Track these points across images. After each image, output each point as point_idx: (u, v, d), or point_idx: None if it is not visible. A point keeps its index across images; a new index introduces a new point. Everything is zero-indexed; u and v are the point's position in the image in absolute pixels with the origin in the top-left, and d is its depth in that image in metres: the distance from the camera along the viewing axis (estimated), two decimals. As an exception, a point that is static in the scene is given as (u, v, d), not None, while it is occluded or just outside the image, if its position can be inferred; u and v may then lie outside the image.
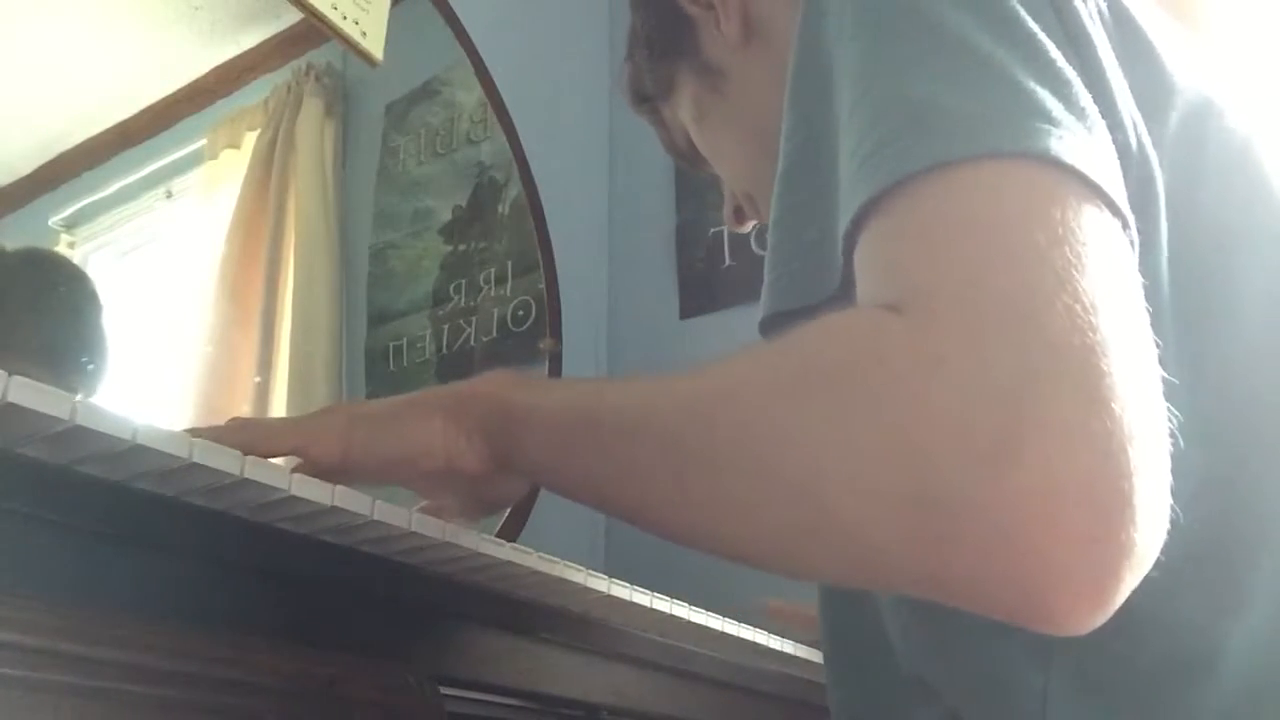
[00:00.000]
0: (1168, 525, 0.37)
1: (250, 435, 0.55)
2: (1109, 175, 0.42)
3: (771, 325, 0.52)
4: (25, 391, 0.39)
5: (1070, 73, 0.45)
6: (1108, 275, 0.39)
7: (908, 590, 0.42)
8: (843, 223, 0.44)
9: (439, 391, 0.58)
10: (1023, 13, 0.47)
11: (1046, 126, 0.42)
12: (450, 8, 1.58)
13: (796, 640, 0.88)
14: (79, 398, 0.41)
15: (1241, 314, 0.52)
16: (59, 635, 0.40)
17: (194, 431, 0.50)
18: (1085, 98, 0.45)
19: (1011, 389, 0.35)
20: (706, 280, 1.72)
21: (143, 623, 0.44)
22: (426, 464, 0.56)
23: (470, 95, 1.66)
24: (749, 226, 0.87)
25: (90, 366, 1.11)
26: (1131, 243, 0.42)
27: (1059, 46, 0.47)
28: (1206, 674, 0.47)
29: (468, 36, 1.61)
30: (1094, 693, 0.48)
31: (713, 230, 1.72)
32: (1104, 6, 0.53)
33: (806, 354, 0.42)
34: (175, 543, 0.48)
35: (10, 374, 0.39)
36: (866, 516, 0.37)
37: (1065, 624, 0.36)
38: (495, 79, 1.65)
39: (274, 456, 0.54)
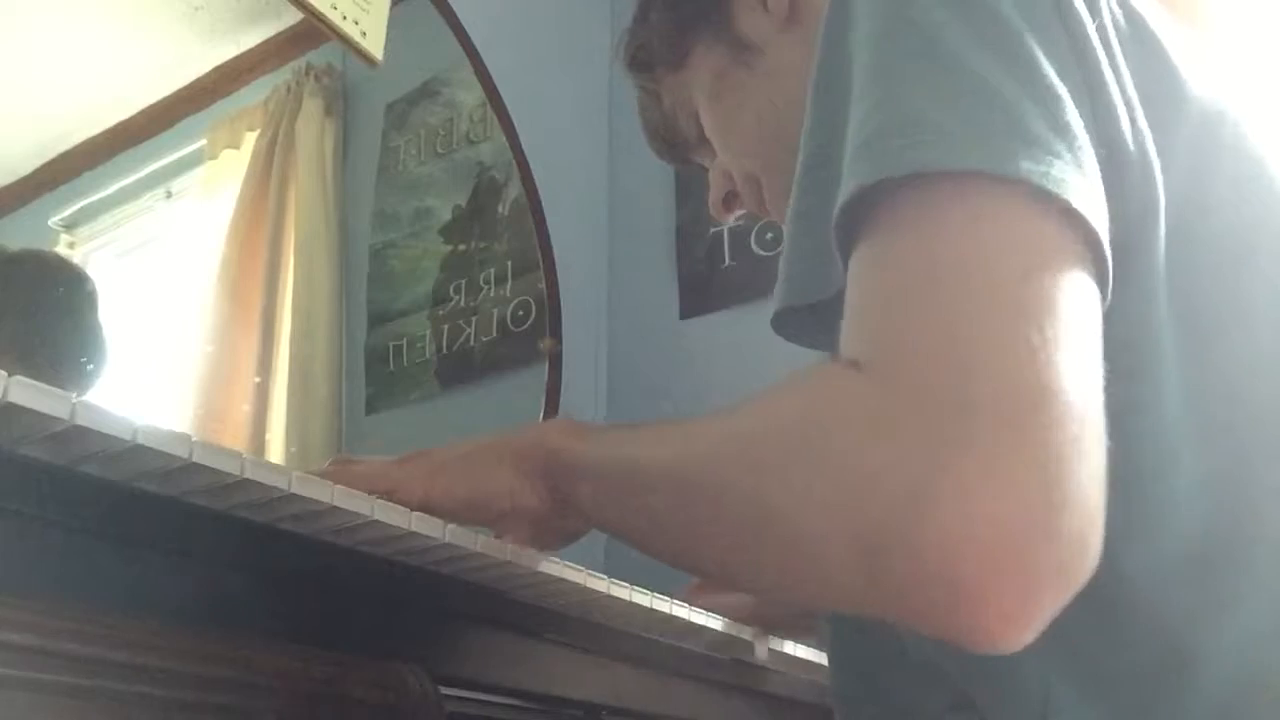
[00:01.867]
0: (1100, 547, 0.40)
1: (347, 478, 0.60)
2: (1085, 194, 0.44)
3: (782, 320, 0.56)
4: (25, 391, 0.39)
5: (1062, 90, 0.46)
6: (1050, 311, 0.41)
7: (880, 617, 0.46)
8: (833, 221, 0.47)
9: (508, 439, 0.65)
10: (1023, 27, 0.48)
11: (1026, 147, 0.43)
12: (450, 8, 1.58)
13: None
14: (79, 398, 0.41)
15: (1250, 318, 0.53)
16: (59, 635, 0.40)
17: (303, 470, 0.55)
18: (1074, 115, 0.46)
19: (940, 442, 0.39)
20: (706, 280, 1.72)
21: (143, 623, 0.44)
22: (497, 506, 0.63)
23: (470, 95, 1.66)
24: (735, 216, 0.86)
25: (89, 367, 1.11)
26: (1101, 261, 0.44)
27: (1062, 58, 0.48)
28: (1199, 666, 0.48)
29: (468, 36, 1.61)
30: (1092, 680, 0.49)
31: (713, 230, 1.72)
32: (1119, 15, 0.53)
33: (781, 416, 0.47)
34: (175, 543, 0.48)
35: (10, 374, 0.39)
36: (826, 564, 0.42)
37: (995, 646, 0.39)
38: (495, 79, 1.65)
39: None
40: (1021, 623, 0.39)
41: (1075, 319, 0.42)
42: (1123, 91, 0.50)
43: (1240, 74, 0.62)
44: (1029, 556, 0.38)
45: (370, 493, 0.55)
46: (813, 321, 0.53)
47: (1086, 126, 0.46)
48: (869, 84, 0.48)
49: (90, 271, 1.19)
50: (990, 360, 0.40)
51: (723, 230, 1.70)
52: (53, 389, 0.40)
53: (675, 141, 0.87)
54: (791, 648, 0.86)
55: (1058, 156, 0.43)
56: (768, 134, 0.76)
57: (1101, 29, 0.51)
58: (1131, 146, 0.49)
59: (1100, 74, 0.49)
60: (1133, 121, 0.50)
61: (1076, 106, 0.46)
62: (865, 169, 0.45)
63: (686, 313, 1.74)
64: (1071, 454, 0.39)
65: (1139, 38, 0.53)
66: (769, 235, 1.65)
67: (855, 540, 0.40)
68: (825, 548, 0.42)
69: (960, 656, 0.55)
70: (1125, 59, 0.51)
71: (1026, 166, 0.42)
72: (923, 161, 0.43)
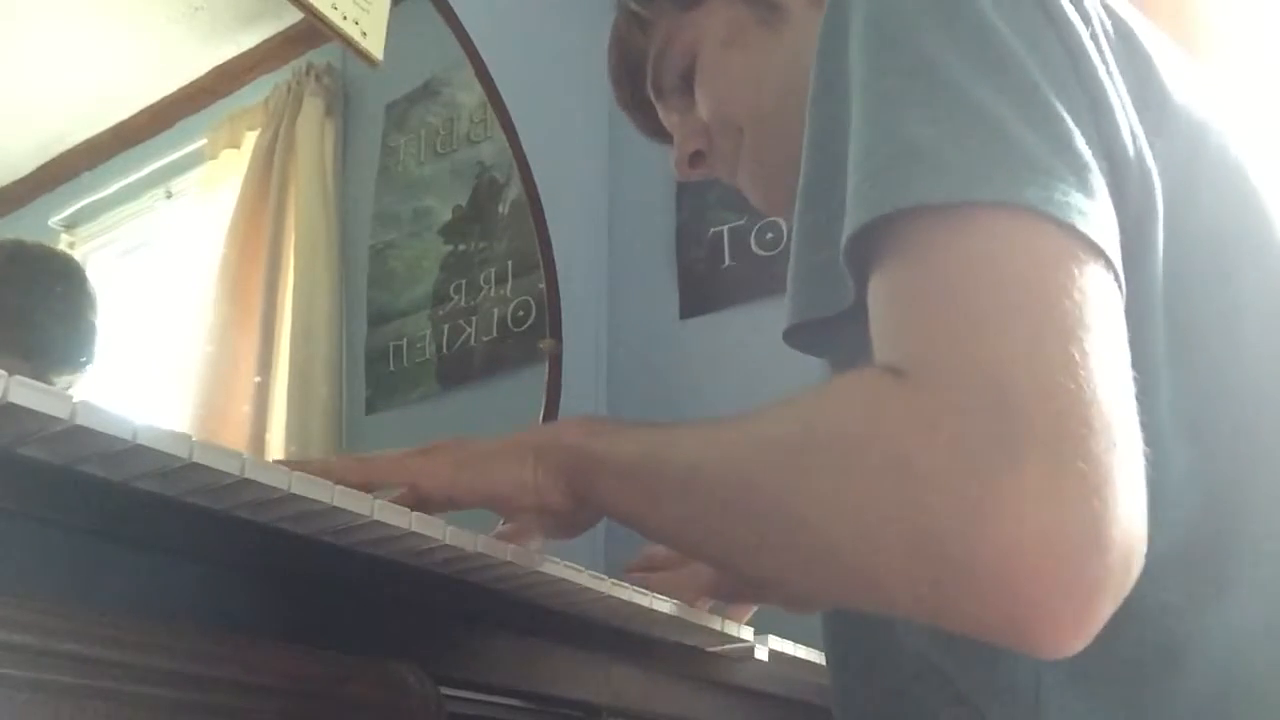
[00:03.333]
0: (1145, 551, 0.41)
1: (370, 470, 0.63)
2: (1093, 217, 0.44)
3: (794, 334, 0.56)
4: (25, 391, 0.39)
5: (1062, 108, 0.47)
6: (1083, 325, 0.42)
7: (925, 621, 0.47)
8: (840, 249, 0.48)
9: (533, 435, 0.68)
10: (1016, 44, 0.48)
11: (1031, 174, 0.44)
12: (450, 8, 1.58)
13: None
14: (79, 397, 0.41)
15: (1234, 318, 0.54)
16: (59, 635, 0.40)
17: (303, 464, 0.56)
18: (1075, 134, 0.46)
19: (990, 453, 0.40)
20: (706, 280, 1.72)
21: (143, 623, 0.44)
22: (519, 502, 0.64)
23: (470, 95, 1.66)
24: (697, 175, 0.85)
25: (84, 361, 1.10)
26: (1116, 280, 0.45)
27: (1059, 72, 0.48)
28: (1185, 660, 0.49)
29: (468, 36, 1.61)
30: (1081, 674, 0.50)
31: (713, 230, 1.72)
32: (1109, 25, 0.54)
33: (820, 420, 0.47)
34: (175, 543, 0.48)
35: (10, 374, 0.39)
36: (876, 570, 0.42)
37: (1052, 651, 0.41)
38: (495, 79, 1.65)
39: (389, 487, 0.62)
40: (1079, 630, 0.40)
41: (1107, 331, 0.43)
42: (1120, 98, 0.51)
43: (1223, 85, 0.63)
44: (1085, 568, 0.39)
45: (395, 484, 0.56)
46: (825, 333, 0.54)
47: (1089, 140, 0.47)
48: (868, 109, 0.49)
49: (90, 271, 1.19)
50: (1033, 375, 0.40)
51: (723, 230, 1.70)
52: (53, 389, 0.40)
53: (645, 81, 0.84)
54: (792, 648, 0.86)
55: (1062, 180, 0.44)
56: (773, 89, 0.75)
57: (1095, 37, 0.51)
58: (1131, 153, 0.50)
59: (1098, 81, 0.50)
60: (1131, 128, 0.50)
61: (1077, 122, 0.47)
62: (870, 201, 0.46)
63: (686, 313, 1.74)
64: (1115, 463, 0.40)
65: (1127, 47, 0.54)
66: (769, 235, 1.65)
67: (908, 549, 0.41)
68: (873, 556, 0.42)
69: (952, 651, 0.56)
70: (1118, 67, 0.52)
71: (1032, 194, 0.43)
72: (926, 195, 0.44)
